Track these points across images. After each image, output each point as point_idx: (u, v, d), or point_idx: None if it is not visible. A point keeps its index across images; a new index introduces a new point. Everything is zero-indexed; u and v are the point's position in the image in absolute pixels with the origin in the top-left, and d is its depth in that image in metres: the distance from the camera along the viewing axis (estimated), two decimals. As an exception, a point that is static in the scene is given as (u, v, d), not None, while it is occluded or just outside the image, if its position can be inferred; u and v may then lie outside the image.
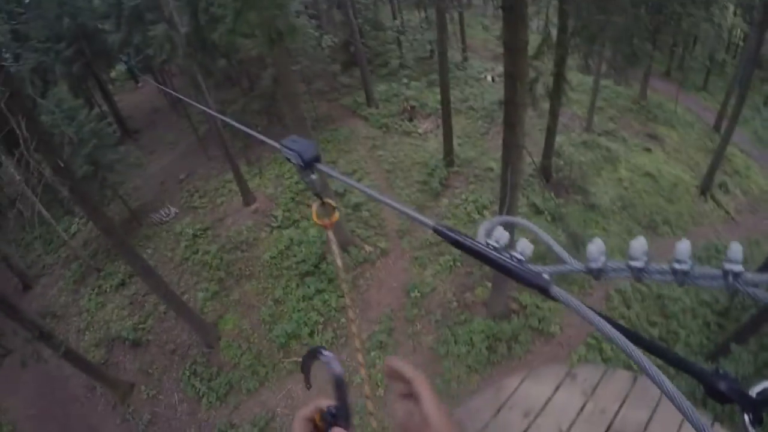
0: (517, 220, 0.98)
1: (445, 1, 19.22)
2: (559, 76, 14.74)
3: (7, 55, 20.66)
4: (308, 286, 14.91)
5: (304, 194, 17.99)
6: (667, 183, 18.45)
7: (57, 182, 13.91)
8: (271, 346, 14.05)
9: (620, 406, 3.28)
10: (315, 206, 1.39)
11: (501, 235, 0.91)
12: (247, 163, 20.42)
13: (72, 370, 14.21)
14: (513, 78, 8.42)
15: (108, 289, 17.88)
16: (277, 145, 1.62)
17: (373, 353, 13.08)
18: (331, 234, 1.31)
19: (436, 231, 0.99)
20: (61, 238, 18.94)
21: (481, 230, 0.92)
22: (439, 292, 14.43)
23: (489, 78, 25.84)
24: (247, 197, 18.80)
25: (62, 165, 10.06)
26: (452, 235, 0.96)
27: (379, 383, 11.64)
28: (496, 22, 37.31)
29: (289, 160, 1.32)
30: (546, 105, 16.30)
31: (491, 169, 18.29)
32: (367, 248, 15.59)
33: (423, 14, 30.28)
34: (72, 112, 18.10)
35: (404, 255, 15.57)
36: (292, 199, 18.26)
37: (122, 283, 17.77)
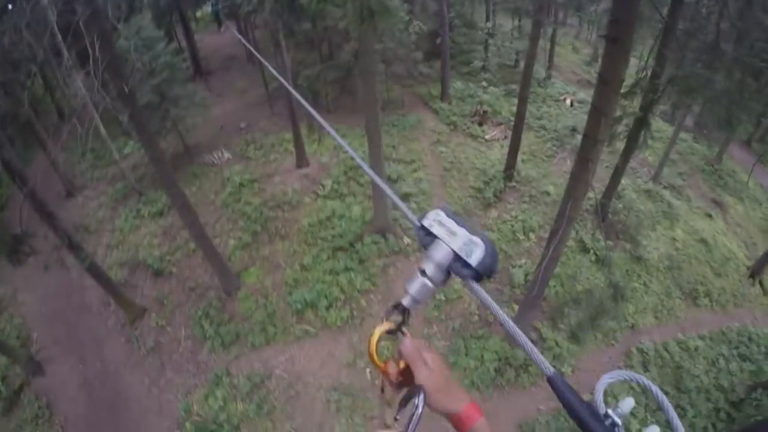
0: (653, 388, 0.81)
1: (544, 14, 18.54)
2: (642, 120, 13.92)
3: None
4: (338, 261, 14.70)
5: (357, 171, 17.84)
6: (720, 255, 17.51)
7: (118, 106, 14.16)
8: (286, 308, 13.92)
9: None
10: (381, 331, 1.01)
11: (626, 406, 0.78)
12: (308, 127, 20.34)
13: (92, 282, 14.50)
14: (599, 112, 7.94)
15: (145, 215, 18.17)
16: (393, 195, 1.29)
17: (382, 343, 12.69)
18: (388, 388, 1.01)
19: (549, 381, 0.82)
20: (113, 156, 19.25)
21: (602, 387, 0.81)
22: (464, 302, 14.01)
23: (568, 102, 24.97)
24: (301, 160, 18.72)
25: (127, 90, 10.08)
26: (567, 392, 0.79)
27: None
28: (587, 46, 36.25)
29: (424, 242, 1.01)
30: (620, 144, 15.50)
31: (548, 193, 17.68)
32: (406, 240, 15.21)
33: (517, 22, 29.50)
34: (150, 41, 18.24)
35: (440, 256, 15.11)
36: (345, 173, 18.05)
37: (160, 213, 18.02)
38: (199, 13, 36.74)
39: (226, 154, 20.38)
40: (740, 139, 27.11)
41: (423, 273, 0.98)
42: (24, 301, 16.16)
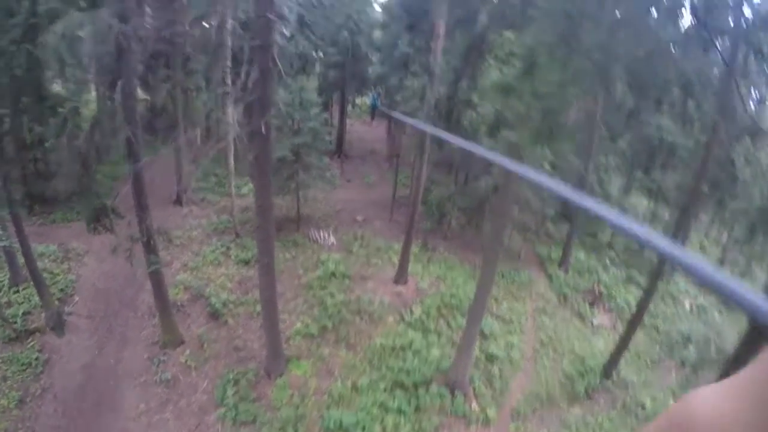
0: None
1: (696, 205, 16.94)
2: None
3: (287, 33, 22.80)
4: (394, 399, 12.90)
5: (452, 310, 16.70)
6: None
7: (248, 144, 14.60)
8: (317, 420, 12.25)
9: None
10: None
11: None
12: (422, 244, 19.69)
13: (149, 287, 14.05)
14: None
15: (232, 257, 18.05)
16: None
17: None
18: None
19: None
20: (230, 189, 19.79)
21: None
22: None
23: (687, 305, 22.42)
24: (401, 276, 17.82)
25: (262, 132, 10.07)
26: None
27: None
28: (713, 246, 33.04)
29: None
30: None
31: (643, 407, 15.16)
32: (474, 407, 13.25)
33: (652, 204, 27.66)
34: (307, 103, 19.21)
35: (505, 437, 12.97)
36: (439, 307, 16.79)
37: (246, 262, 17.74)
38: (358, 100, 39.12)
39: (332, 239, 20.19)
40: None
41: None
42: (88, 265, 16.47)
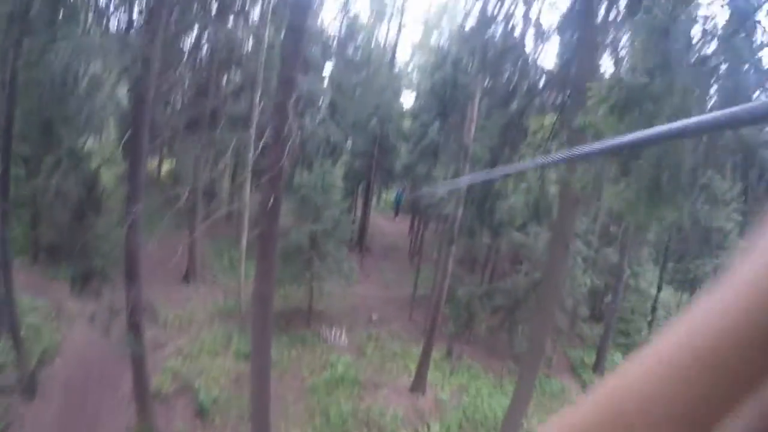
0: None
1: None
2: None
3: (316, 118, 22.41)
4: None
5: (474, 424, 14.61)
6: None
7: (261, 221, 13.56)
8: None
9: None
10: None
11: None
12: (446, 352, 17.82)
13: (129, 369, 12.19)
14: None
15: (232, 349, 16.34)
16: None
17: None
18: None
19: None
20: (239, 273, 18.27)
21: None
22: None
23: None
24: (418, 385, 15.79)
25: (270, 202, 9.26)
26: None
27: None
28: None
29: None
30: None
31: None
32: None
33: (686, 296, 24.89)
34: (329, 188, 18.34)
35: None
36: (460, 423, 14.71)
37: (247, 356, 15.49)
38: (384, 195, 38.56)
39: (344, 338, 18.36)
40: None
41: None
42: (77, 329, 14.69)
